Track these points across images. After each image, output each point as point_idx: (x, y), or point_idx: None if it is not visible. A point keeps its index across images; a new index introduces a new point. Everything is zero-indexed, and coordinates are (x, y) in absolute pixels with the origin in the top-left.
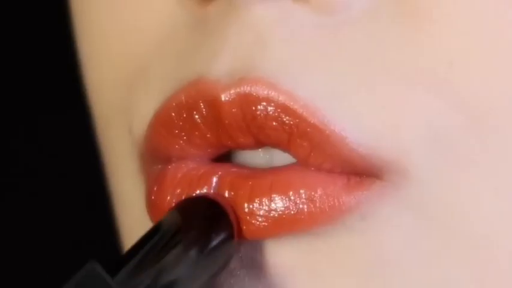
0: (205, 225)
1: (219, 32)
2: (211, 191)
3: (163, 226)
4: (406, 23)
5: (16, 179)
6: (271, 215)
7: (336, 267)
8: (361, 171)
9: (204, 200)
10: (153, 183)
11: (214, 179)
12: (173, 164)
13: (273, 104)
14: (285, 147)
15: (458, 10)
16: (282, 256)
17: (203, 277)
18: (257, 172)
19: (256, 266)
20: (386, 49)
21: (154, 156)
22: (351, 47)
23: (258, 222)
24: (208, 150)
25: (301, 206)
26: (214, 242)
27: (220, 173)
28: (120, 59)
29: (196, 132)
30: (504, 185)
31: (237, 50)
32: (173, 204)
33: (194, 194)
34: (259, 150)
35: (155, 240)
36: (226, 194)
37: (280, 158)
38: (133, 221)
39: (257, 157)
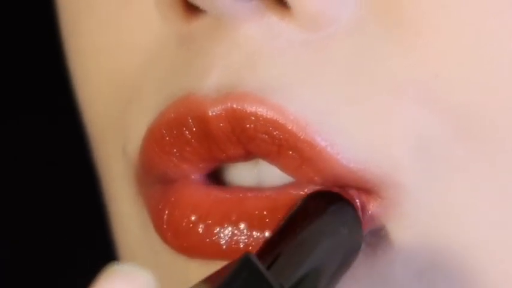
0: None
1: (208, 49)
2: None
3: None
4: (391, 35)
5: (14, 192)
6: None
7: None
8: (357, 187)
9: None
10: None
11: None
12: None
13: (261, 119)
14: (274, 158)
15: (442, 22)
16: None
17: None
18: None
19: None
20: (372, 62)
21: (150, 174)
22: (337, 62)
23: None
24: (200, 165)
25: None
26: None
27: None
28: (111, 79)
29: (188, 148)
30: (494, 191)
31: (226, 67)
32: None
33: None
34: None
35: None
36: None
37: (270, 174)
38: (133, 243)
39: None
